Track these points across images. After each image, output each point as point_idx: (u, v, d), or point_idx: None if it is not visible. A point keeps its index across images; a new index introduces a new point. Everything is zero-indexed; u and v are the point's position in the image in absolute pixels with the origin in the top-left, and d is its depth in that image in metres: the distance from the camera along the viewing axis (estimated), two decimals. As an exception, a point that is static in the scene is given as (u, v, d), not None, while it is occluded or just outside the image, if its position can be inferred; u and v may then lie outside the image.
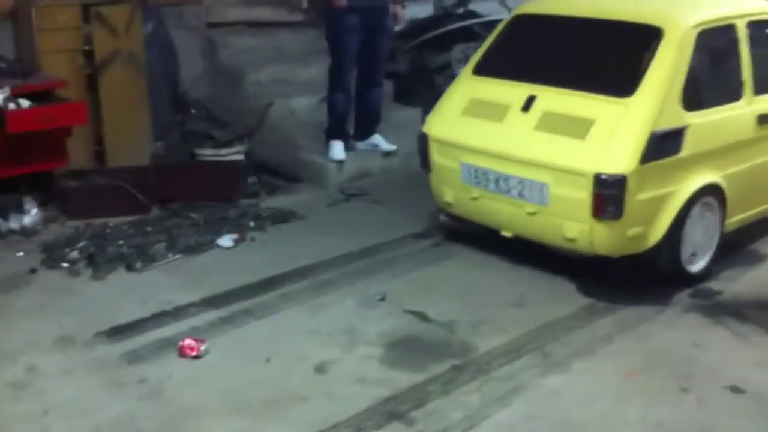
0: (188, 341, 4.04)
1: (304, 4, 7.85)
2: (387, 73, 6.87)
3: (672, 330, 4.34)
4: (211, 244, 5.25)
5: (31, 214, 5.47)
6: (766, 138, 5.00)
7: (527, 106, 4.73)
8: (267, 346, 4.11)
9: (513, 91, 4.85)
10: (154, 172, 5.88)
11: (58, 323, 4.29)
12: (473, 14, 8.14)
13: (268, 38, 7.53)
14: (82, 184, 5.77)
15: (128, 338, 4.17)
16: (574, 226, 4.46)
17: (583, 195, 4.37)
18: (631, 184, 4.30)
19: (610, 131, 4.40)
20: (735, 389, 3.81)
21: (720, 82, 4.96)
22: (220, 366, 3.95)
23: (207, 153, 6.28)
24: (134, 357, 4.01)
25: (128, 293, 4.64)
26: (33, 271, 4.88)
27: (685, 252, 4.68)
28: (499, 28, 5.33)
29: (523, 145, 4.64)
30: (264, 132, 6.57)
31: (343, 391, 3.75)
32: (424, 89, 7.18)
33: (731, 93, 4.86)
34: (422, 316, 4.41)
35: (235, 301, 4.55)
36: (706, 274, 4.82)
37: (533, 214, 4.60)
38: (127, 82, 6.08)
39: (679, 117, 4.49)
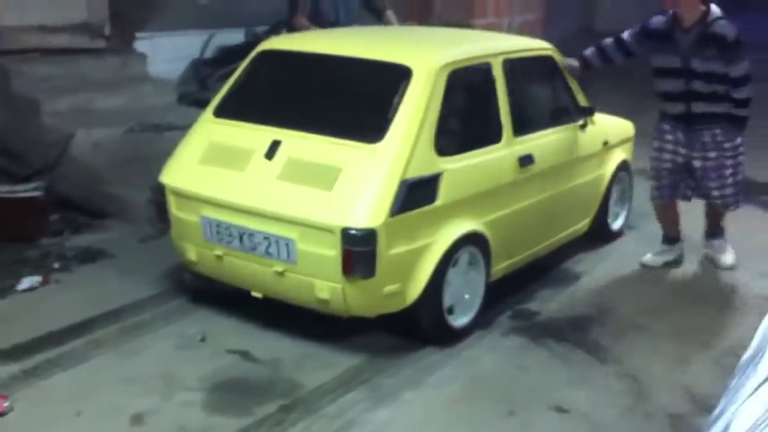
0: (-11, 399, 3.69)
1: (107, 31, 7.48)
2: (197, 101, 6.66)
3: (494, 353, 4.39)
4: (10, 289, 4.85)
5: None
6: (528, 180, 4.80)
7: (271, 152, 4.29)
8: (76, 399, 3.80)
9: (257, 136, 4.41)
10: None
11: None
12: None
13: (67, 66, 7.11)
14: None
15: None
16: (326, 285, 4.05)
17: (331, 252, 3.98)
18: (381, 239, 3.95)
19: (359, 181, 4.05)
20: (559, 409, 3.88)
21: (477, 125, 4.69)
22: (24, 424, 3.63)
23: (2, 189, 5.83)
24: (-76, 420, 3.61)
25: None
26: None
27: (448, 306, 4.39)
28: (243, 65, 4.90)
29: (266, 196, 4.19)
30: (65, 166, 6.18)
31: (163, 443, 3.53)
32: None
33: (490, 135, 4.61)
34: (245, 355, 4.23)
35: (40, 350, 4.20)
36: (473, 326, 4.54)
37: (281, 273, 4.15)
38: None
39: (432, 163, 4.19)
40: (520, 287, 5.06)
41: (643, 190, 5.84)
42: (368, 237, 3.93)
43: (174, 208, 4.56)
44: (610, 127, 5.79)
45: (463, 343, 4.44)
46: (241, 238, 4.25)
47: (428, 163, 4.18)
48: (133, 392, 3.88)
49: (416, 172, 4.11)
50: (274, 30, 8.10)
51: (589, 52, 5.48)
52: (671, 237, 5.64)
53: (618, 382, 4.15)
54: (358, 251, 3.94)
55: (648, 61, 5.31)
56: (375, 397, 3.92)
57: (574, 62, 5.37)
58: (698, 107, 5.17)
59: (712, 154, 5.24)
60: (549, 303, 4.98)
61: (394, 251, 4.04)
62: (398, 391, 3.98)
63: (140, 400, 3.81)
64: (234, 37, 8.10)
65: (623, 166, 5.93)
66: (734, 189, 5.33)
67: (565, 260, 5.58)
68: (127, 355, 4.21)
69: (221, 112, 4.71)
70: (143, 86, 7.15)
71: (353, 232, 3.93)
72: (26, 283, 4.91)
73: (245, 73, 4.86)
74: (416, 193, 4.10)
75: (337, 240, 3.95)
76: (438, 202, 4.20)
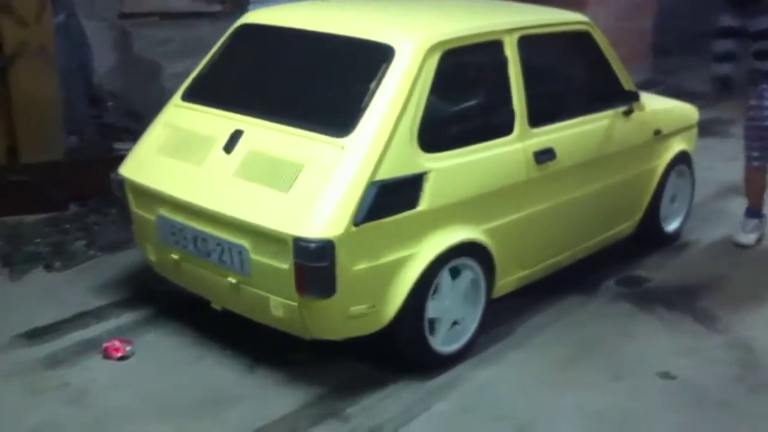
0: (113, 342, 3.90)
1: (223, -6, 7.68)
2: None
3: (600, 319, 4.38)
4: (133, 241, 5.07)
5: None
6: (547, 179, 4.08)
7: (231, 144, 3.71)
8: (197, 345, 3.98)
9: (219, 125, 3.83)
10: (69, 167, 5.66)
11: (-27, 327, 4.08)
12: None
13: (185, 29, 7.33)
14: (-7, 181, 5.52)
15: (48, 341, 4.00)
16: (281, 303, 3.49)
17: (285, 265, 3.38)
18: (342, 252, 3.31)
19: (319, 181, 3.40)
20: (665, 376, 3.86)
21: (479, 115, 4.02)
22: (147, 367, 3.82)
23: (126, 147, 6.08)
24: (55, 361, 3.84)
25: (47, 294, 4.45)
26: (-57, 273, 4.64)
27: (437, 328, 3.77)
28: (220, 41, 4.30)
29: (219, 196, 3.62)
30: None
31: (278, 389, 3.66)
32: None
33: (496, 127, 3.93)
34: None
35: (161, 299, 4.39)
36: (466, 352, 3.93)
37: (236, 285, 3.61)
38: (39, 75, 5.84)
39: (413, 161, 3.53)
40: (626, 254, 5.00)
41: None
42: (323, 250, 3.29)
43: (133, 205, 4.07)
44: (666, 114, 5.04)
45: (568, 307, 4.45)
46: (195, 243, 3.73)
47: (408, 161, 3.54)
48: (250, 339, 3.99)
49: (391, 172, 3.47)
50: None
51: None
52: (758, 209, 5.36)
53: (728, 351, 4.09)
54: (312, 266, 3.32)
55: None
56: (481, 355, 3.97)
57: None
58: None
59: None
60: (658, 270, 4.92)
61: (361, 266, 3.41)
62: (503, 351, 4.01)
63: (257, 347, 3.94)
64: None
65: (682, 158, 5.13)
66: None
67: (677, 228, 5.48)
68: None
69: (190, 96, 4.16)
70: (257, 50, 7.30)
71: (306, 243, 3.30)
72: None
73: (220, 50, 4.28)
74: (390, 197, 3.47)
75: (289, 251, 3.35)
76: (421, 207, 3.55)
